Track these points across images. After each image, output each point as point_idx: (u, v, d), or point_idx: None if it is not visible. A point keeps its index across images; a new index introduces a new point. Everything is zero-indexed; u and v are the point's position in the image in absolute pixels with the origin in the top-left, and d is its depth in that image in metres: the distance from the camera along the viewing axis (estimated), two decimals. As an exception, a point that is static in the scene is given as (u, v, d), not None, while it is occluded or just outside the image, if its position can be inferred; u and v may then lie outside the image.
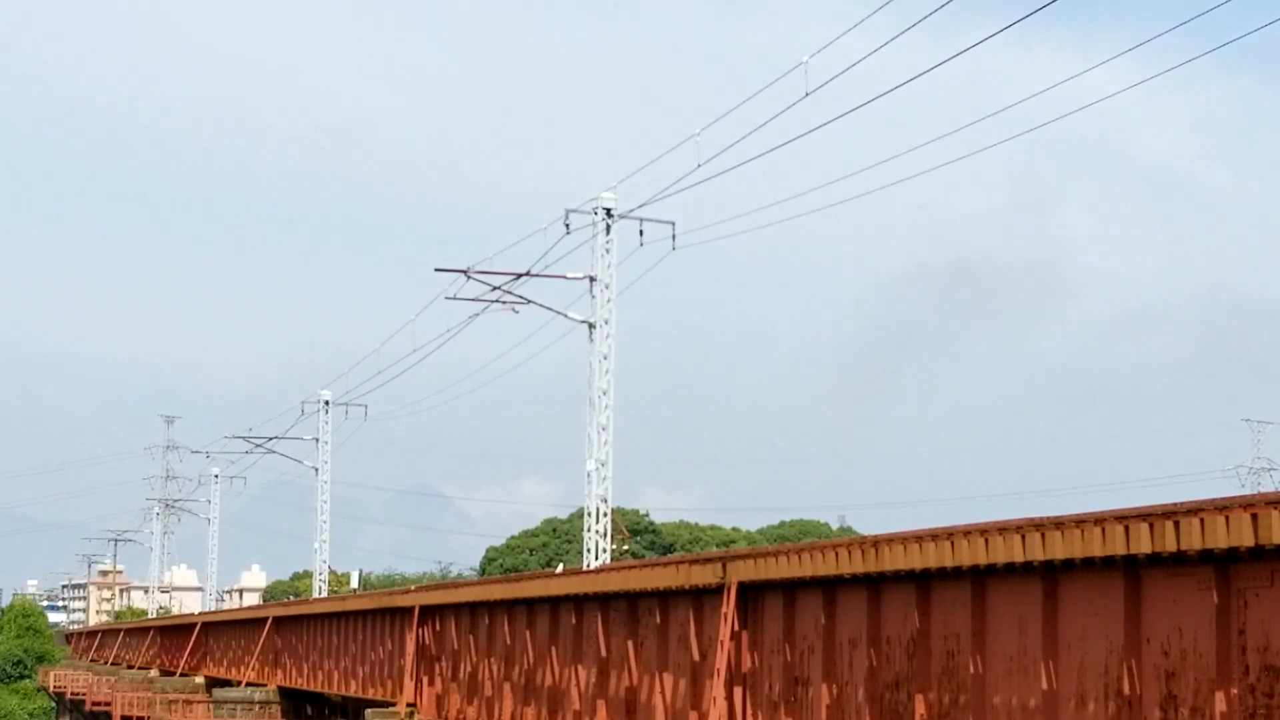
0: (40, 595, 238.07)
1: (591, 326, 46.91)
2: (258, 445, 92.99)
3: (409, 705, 37.48)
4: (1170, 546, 13.76)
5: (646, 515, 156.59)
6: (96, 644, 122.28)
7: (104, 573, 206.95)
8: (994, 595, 16.94)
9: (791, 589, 20.83)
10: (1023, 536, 15.58)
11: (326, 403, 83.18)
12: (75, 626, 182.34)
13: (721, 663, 21.75)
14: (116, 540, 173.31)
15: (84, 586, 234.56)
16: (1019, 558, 15.65)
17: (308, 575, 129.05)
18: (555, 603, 29.48)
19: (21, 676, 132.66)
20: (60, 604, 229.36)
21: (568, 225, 47.29)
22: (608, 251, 47.01)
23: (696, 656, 23.41)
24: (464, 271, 50.52)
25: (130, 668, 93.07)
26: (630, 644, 25.85)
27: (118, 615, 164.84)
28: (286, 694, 55.89)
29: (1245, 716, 13.66)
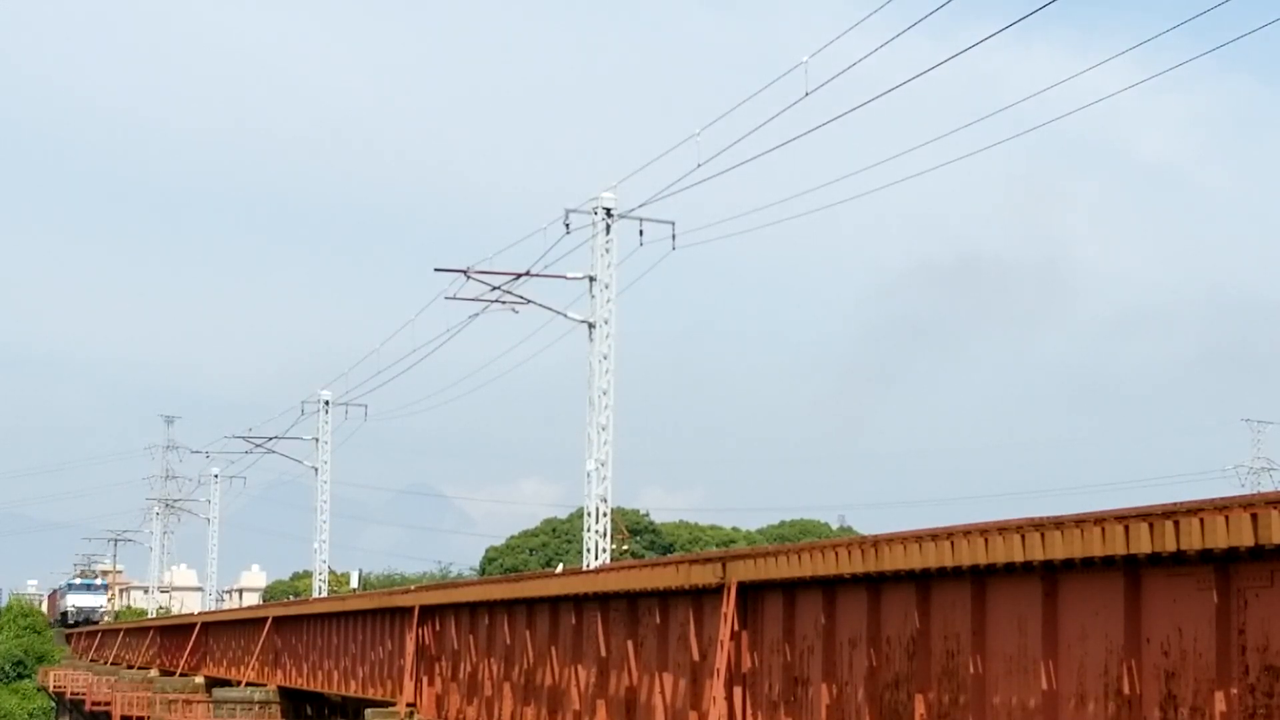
0: (71, 575, 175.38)
1: (591, 326, 46.91)
2: (258, 445, 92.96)
3: (409, 705, 37.48)
4: (1170, 546, 13.77)
5: (646, 515, 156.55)
6: (96, 644, 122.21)
7: (104, 572, 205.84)
8: (994, 595, 16.94)
9: (791, 589, 20.83)
10: (1023, 536, 15.59)
11: (326, 403, 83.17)
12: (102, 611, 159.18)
13: (721, 663, 21.75)
14: (116, 540, 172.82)
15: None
16: (1019, 558, 15.65)
17: (308, 575, 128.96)
18: (555, 603, 29.49)
19: (21, 676, 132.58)
20: (99, 582, 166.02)
21: (568, 225, 47.32)
22: (608, 251, 47.01)
23: (696, 656, 23.41)
24: (464, 271, 50.52)
25: (130, 668, 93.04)
26: (630, 644, 25.85)
27: (117, 615, 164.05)
28: (286, 694, 55.89)
29: (1245, 716, 13.66)
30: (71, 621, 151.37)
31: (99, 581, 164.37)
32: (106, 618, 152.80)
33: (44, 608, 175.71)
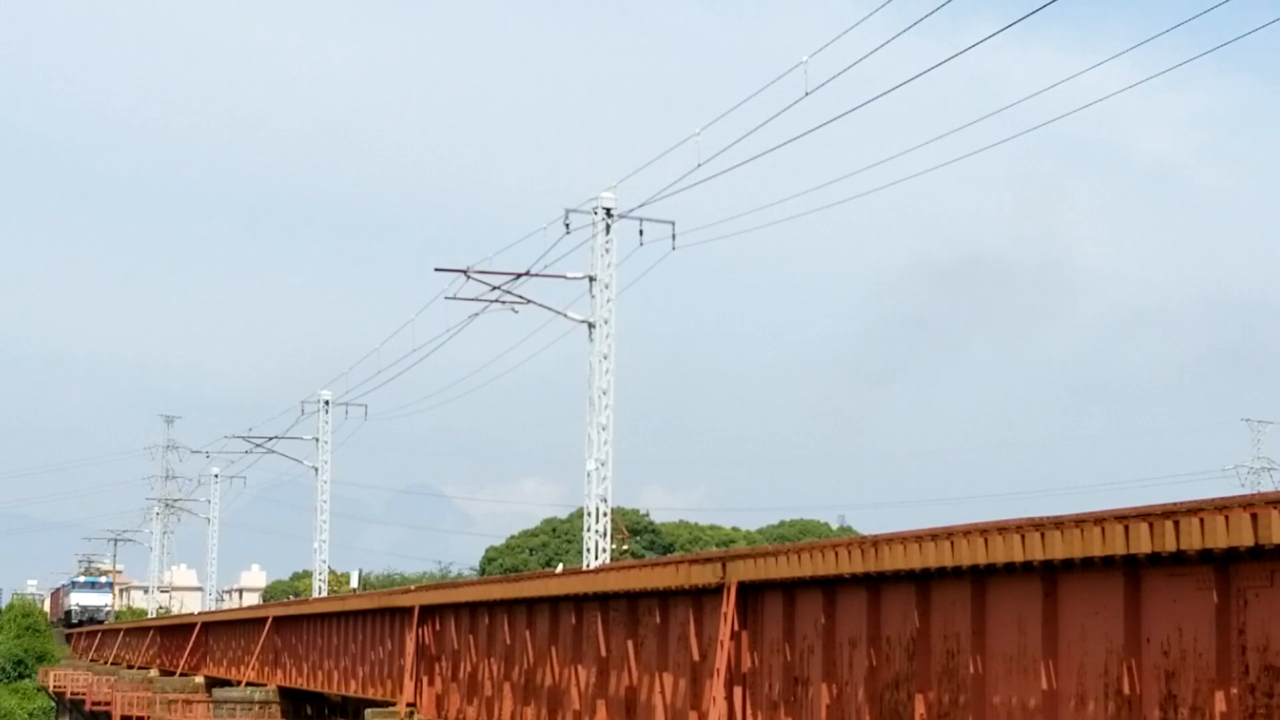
0: (76, 573, 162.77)
1: (591, 326, 46.93)
2: (258, 445, 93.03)
3: (409, 705, 37.49)
4: (1170, 546, 13.77)
5: (646, 515, 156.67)
6: (96, 644, 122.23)
7: (104, 572, 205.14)
8: (994, 595, 16.94)
9: (791, 589, 20.83)
10: (1023, 536, 15.59)
11: (326, 403, 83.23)
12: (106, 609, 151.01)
13: (721, 663, 21.75)
14: (116, 540, 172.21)
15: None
16: (1019, 557, 15.65)
17: (308, 575, 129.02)
18: (555, 603, 29.49)
19: (21, 676, 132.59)
20: (104, 580, 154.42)
21: (568, 225, 47.36)
22: (607, 251, 47.03)
23: (696, 656, 23.41)
24: (464, 271, 50.56)
25: (130, 667, 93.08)
26: (630, 644, 25.86)
27: (117, 615, 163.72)
28: (286, 694, 55.90)
29: (1245, 716, 13.66)
30: (76, 621, 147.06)
31: (104, 580, 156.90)
32: (111, 617, 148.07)
33: (46, 607, 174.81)
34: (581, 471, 46.55)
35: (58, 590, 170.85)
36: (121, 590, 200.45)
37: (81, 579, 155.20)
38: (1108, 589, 15.15)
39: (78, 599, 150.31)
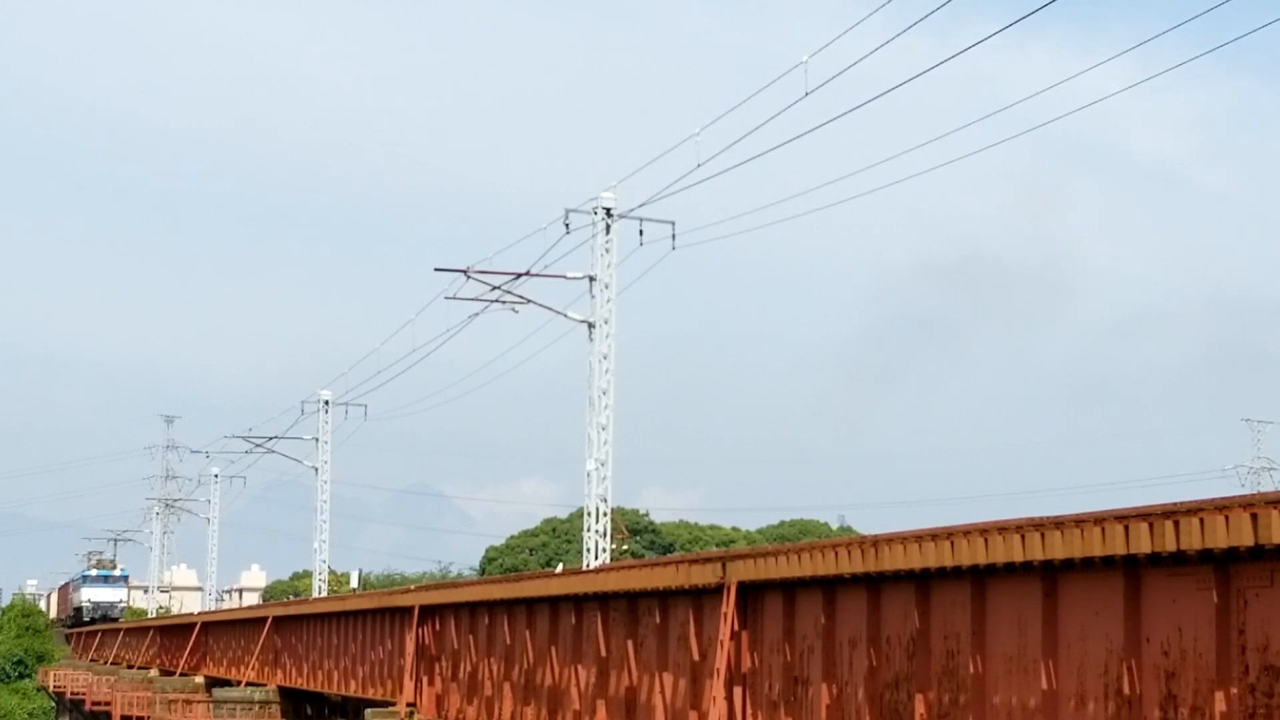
0: (86, 567, 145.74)
1: (591, 326, 46.92)
2: (258, 445, 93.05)
3: (409, 705, 37.48)
4: (1170, 546, 13.76)
5: (646, 515, 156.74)
6: (96, 644, 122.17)
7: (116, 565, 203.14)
8: (994, 595, 16.94)
9: (791, 589, 20.83)
10: (1023, 536, 15.59)
11: (326, 403, 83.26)
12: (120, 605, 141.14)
13: (721, 662, 21.75)
14: (116, 540, 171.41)
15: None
16: (1019, 557, 15.65)
17: (307, 575, 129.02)
18: (555, 602, 29.49)
19: (21, 676, 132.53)
20: (118, 573, 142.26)
21: (567, 225, 47.37)
22: (607, 251, 47.03)
23: (696, 656, 23.41)
24: (464, 271, 50.56)
25: (130, 667, 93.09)
26: (630, 644, 25.86)
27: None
28: (286, 694, 55.90)
29: (1245, 716, 13.66)
30: (88, 618, 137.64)
31: (118, 573, 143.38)
32: (124, 614, 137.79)
33: (47, 604, 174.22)
34: (581, 471, 46.56)
35: (66, 585, 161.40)
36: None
37: (94, 572, 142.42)
38: (1108, 589, 15.14)
39: (90, 594, 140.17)
